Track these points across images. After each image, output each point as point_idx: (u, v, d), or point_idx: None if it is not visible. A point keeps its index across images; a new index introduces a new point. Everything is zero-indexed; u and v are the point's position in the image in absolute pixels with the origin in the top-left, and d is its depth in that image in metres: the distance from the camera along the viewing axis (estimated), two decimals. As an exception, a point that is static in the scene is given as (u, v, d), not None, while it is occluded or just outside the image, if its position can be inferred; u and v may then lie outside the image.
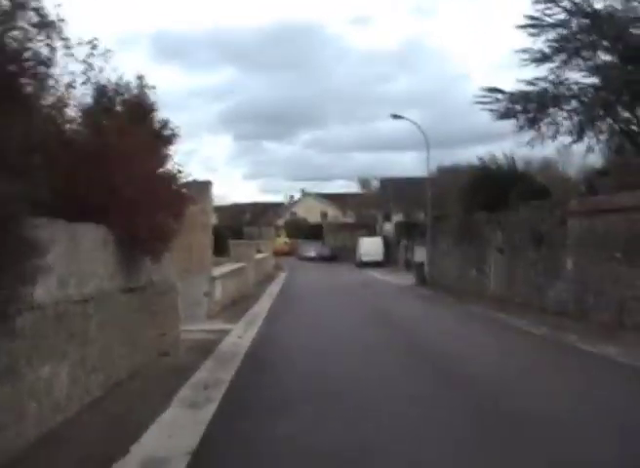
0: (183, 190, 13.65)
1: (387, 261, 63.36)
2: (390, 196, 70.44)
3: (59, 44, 8.69)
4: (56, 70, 9.19)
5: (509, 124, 27.45)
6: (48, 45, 8.10)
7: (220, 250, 30.96)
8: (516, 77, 27.76)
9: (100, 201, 9.10)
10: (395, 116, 36.20)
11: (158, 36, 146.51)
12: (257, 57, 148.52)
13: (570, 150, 31.98)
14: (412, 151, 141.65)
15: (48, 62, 7.85)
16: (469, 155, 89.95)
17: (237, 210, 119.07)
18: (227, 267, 24.85)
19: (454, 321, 19.87)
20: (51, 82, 9.63)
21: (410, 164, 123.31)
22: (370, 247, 65.54)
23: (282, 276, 46.84)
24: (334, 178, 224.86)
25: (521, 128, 27.17)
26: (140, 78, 15.63)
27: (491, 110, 28.13)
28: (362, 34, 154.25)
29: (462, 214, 30.35)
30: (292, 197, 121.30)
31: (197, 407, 8.53)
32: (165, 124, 16.90)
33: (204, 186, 18.45)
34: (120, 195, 9.35)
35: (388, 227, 73.04)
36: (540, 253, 21.59)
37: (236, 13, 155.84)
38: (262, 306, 23.47)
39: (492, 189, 28.23)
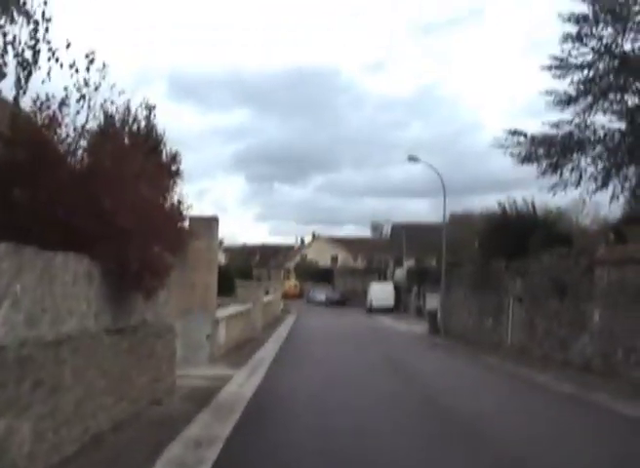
0: (185, 223, 12.59)
1: (398, 308, 62.16)
2: (402, 242, 69.46)
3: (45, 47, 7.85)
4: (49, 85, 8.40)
5: (522, 171, 26.57)
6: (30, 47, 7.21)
7: (227, 290, 29.87)
8: (536, 122, 26.42)
9: (86, 228, 8.05)
10: (411, 158, 35.28)
11: (174, 75, 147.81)
12: (272, 99, 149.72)
13: (583, 201, 30.81)
14: (423, 198, 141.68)
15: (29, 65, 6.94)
16: (481, 203, 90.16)
17: (247, 251, 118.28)
18: (233, 309, 23.71)
19: (471, 375, 18.56)
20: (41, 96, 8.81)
21: (421, 210, 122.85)
22: (381, 292, 64.31)
23: (290, 319, 45.57)
24: (345, 223, 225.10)
25: (543, 173, 26.12)
26: (149, 108, 14.84)
27: (512, 154, 27.19)
28: (376, 80, 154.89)
29: (479, 260, 29.21)
30: (302, 240, 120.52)
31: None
32: (174, 157, 16.42)
33: (210, 222, 17.43)
34: (109, 222, 8.30)
35: (400, 273, 71.96)
36: (564, 303, 20.35)
37: (253, 55, 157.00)
38: (268, 351, 22.23)
39: (511, 236, 27.13)
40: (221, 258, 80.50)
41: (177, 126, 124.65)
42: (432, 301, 48.68)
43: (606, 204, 26.12)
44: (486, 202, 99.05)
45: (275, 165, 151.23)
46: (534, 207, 28.67)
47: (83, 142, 9.58)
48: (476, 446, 9.01)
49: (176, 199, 12.11)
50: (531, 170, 26.23)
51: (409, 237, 64.89)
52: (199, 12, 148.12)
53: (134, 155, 10.08)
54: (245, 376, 15.57)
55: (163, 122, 12.56)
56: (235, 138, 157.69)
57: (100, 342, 8.39)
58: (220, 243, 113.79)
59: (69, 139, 9.18)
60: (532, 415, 11.92)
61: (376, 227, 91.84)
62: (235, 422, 10.04)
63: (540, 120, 34.44)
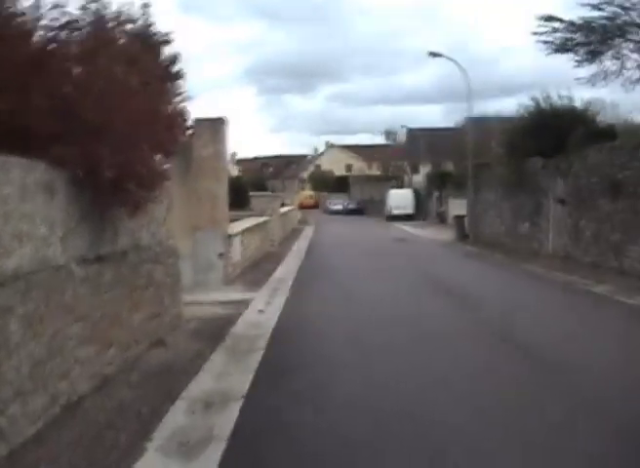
0: (184, 122, 10.43)
1: (418, 214, 60.19)
2: (418, 147, 66.96)
3: None
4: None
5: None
6: None
7: (241, 203, 27.77)
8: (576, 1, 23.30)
9: (41, 123, 5.86)
10: (433, 54, 32.46)
11: None
12: (280, 11, 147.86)
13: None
14: (435, 104, 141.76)
15: None
16: (492, 107, 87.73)
17: (260, 163, 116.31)
18: (248, 222, 21.62)
19: (522, 288, 16.51)
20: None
21: (434, 117, 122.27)
22: (400, 199, 62.19)
23: (309, 231, 43.54)
24: (357, 132, 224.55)
25: (580, 62, 23.48)
26: (145, 6, 12.98)
27: (545, 42, 24.48)
28: None
29: (512, 160, 26.82)
30: (316, 149, 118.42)
31: (188, 453, 5.30)
32: (174, 59, 14.38)
33: (217, 125, 15.14)
34: (73, 114, 6.10)
35: (418, 179, 69.75)
36: (618, 203, 18.10)
37: None
38: (289, 268, 20.18)
39: (548, 132, 24.73)
40: (234, 171, 78.61)
41: (186, 39, 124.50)
42: (455, 207, 46.58)
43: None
44: (497, 106, 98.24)
45: (286, 77, 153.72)
46: (571, 100, 26.13)
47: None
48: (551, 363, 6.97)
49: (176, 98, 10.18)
50: (549, 67, 23.82)
51: (425, 143, 62.28)
52: None
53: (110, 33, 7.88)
54: (265, 300, 13.55)
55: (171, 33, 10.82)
56: (245, 51, 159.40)
57: (70, 276, 6.29)
58: (233, 155, 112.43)
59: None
60: (609, 336, 9.89)
61: (389, 134, 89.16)
62: (256, 368, 7.96)
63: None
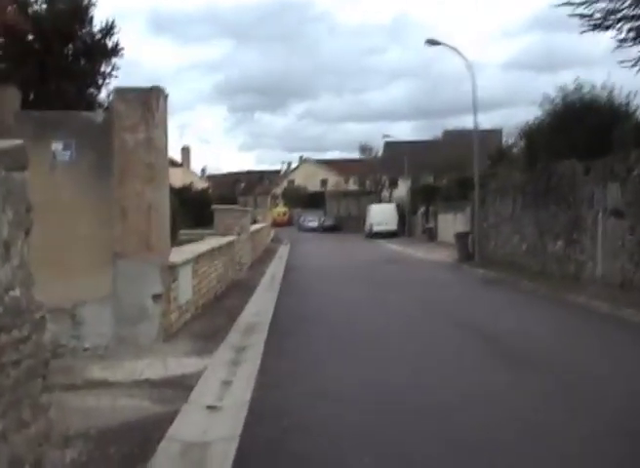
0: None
1: (401, 231, 55.38)
2: (395, 161, 62.57)
3: None
4: None
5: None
6: None
7: (208, 221, 22.44)
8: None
9: None
10: (431, 41, 27.41)
11: (152, 11, 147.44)
12: (249, 31, 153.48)
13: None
14: (406, 121, 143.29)
15: None
16: (463, 123, 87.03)
17: (231, 179, 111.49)
18: (207, 244, 16.30)
19: (594, 336, 11.39)
20: None
21: (404, 133, 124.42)
22: (382, 215, 57.39)
23: (284, 251, 38.18)
24: (330, 149, 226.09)
25: (622, 41, 18.68)
26: None
27: (582, 16, 19.61)
28: (350, 9, 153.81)
29: (536, 164, 21.84)
30: (289, 164, 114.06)
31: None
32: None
33: (150, 98, 9.83)
34: None
35: (400, 193, 65.18)
36: None
37: None
38: (262, 306, 14.77)
39: (582, 129, 19.90)
40: (200, 183, 73.42)
41: (156, 61, 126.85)
42: (446, 223, 41.79)
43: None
44: (466, 122, 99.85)
45: (256, 95, 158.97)
46: (611, 92, 21.26)
47: None
48: None
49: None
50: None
51: (402, 156, 57.66)
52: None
53: None
54: (222, 376, 8.09)
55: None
56: (215, 71, 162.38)
57: None
58: (203, 169, 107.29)
59: None
60: None
61: (364, 149, 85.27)
62: None
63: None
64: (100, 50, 15.77)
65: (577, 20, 18.91)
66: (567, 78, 75.44)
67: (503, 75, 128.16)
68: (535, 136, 22.50)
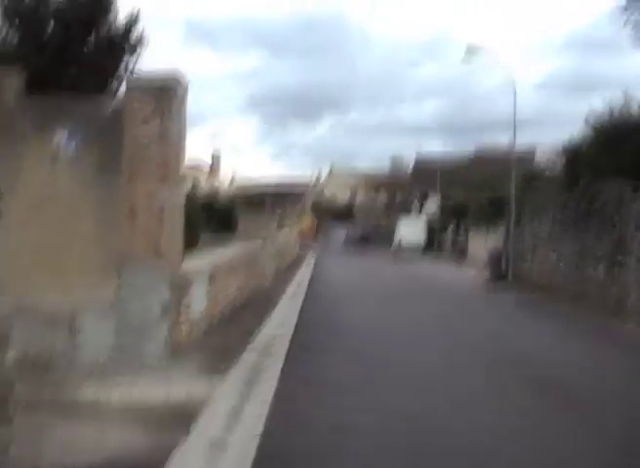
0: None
1: (430, 248, 54.14)
2: (426, 176, 61.58)
3: None
4: None
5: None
6: None
7: (229, 228, 21.56)
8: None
9: None
10: (472, 49, 26.40)
11: (190, 22, 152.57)
12: (284, 42, 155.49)
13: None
14: (435, 137, 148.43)
15: None
16: (494, 141, 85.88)
17: (261, 187, 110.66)
18: (227, 251, 15.36)
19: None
20: None
21: (434, 148, 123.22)
22: (411, 229, 56.27)
23: (310, 262, 37.15)
24: (360, 162, 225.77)
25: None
26: None
27: (636, 26, 18.51)
28: (388, 24, 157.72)
29: (577, 183, 20.66)
30: (319, 175, 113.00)
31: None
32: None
33: (164, 86, 8.91)
34: None
35: (429, 209, 64.03)
36: None
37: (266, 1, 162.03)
38: (283, 318, 13.83)
39: (631, 147, 18.75)
40: (228, 190, 72.76)
41: (191, 69, 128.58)
42: (477, 241, 40.63)
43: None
44: (499, 139, 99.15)
45: (288, 106, 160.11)
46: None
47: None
48: None
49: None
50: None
51: (433, 171, 56.59)
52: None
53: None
54: (231, 403, 7.11)
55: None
56: (249, 81, 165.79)
57: None
58: (232, 179, 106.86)
59: None
60: None
61: (395, 162, 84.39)
62: None
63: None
64: (125, 40, 14.87)
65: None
66: (600, 100, 73.34)
67: (536, 95, 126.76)
68: (578, 153, 21.31)
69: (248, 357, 9.59)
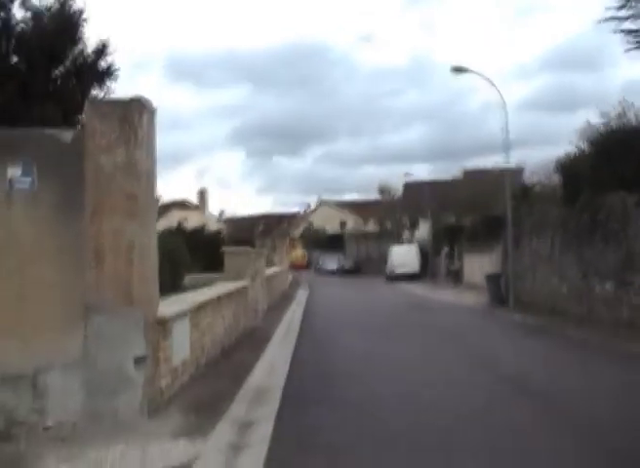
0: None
1: (424, 273, 53.24)
2: (416, 201, 60.71)
3: None
4: None
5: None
6: None
7: (219, 264, 20.48)
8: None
9: None
10: (457, 69, 25.63)
11: (170, 58, 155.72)
12: (267, 75, 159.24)
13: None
14: (421, 163, 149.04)
15: None
16: (480, 164, 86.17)
17: (249, 222, 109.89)
18: (213, 291, 14.31)
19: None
20: None
21: (422, 174, 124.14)
22: (403, 257, 55.37)
23: (302, 296, 36.12)
24: (347, 191, 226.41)
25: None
26: None
27: (628, 32, 17.83)
28: (369, 52, 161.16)
29: (576, 197, 19.76)
30: (308, 206, 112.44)
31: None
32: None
33: (128, 110, 7.92)
34: None
35: (421, 234, 63.16)
36: None
37: (246, 34, 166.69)
38: (274, 363, 12.74)
39: (633, 157, 17.90)
40: (213, 225, 71.73)
41: (174, 107, 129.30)
42: (472, 264, 39.65)
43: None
44: (483, 163, 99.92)
45: (274, 139, 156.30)
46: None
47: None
48: None
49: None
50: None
51: (422, 196, 55.77)
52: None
53: None
54: None
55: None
56: (233, 115, 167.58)
57: None
58: (220, 213, 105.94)
59: None
60: None
61: (383, 190, 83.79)
62: None
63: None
64: (92, 71, 13.98)
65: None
66: (584, 118, 73.05)
67: (519, 115, 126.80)
68: (575, 168, 20.43)
69: (236, 410, 8.50)
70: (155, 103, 8.35)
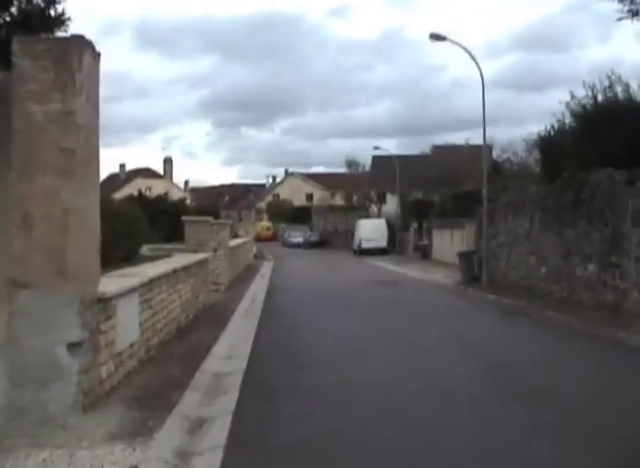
0: None
1: (391, 248, 52.34)
2: (384, 175, 59.75)
3: None
4: None
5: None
6: None
7: (182, 234, 19.27)
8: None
9: None
10: (435, 36, 24.40)
11: (141, 24, 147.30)
12: (237, 46, 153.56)
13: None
14: (390, 138, 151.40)
15: None
16: (448, 141, 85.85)
17: (215, 192, 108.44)
18: (168, 264, 13.09)
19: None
20: None
21: (390, 148, 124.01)
22: (371, 231, 54.30)
23: (267, 269, 34.99)
24: (314, 165, 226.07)
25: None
26: None
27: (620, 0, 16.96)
28: (340, 25, 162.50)
29: (559, 174, 18.78)
30: (274, 178, 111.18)
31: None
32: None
33: (66, 50, 6.68)
34: None
35: (389, 208, 62.29)
36: None
37: (218, 3, 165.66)
38: (235, 343, 11.64)
39: (618, 134, 16.96)
40: (177, 194, 70.23)
41: (143, 74, 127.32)
42: (442, 240, 38.82)
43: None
44: (452, 139, 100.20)
45: (242, 110, 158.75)
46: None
47: None
48: None
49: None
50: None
51: (391, 170, 54.62)
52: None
53: None
54: None
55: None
56: (201, 85, 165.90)
57: None
58: (186, 182, 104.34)
59: None
60: None
61: (351, 163, 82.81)
62: None
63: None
64: (41, 19, 12.59)
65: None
66: (551, 98, 72.75)
67: (487, 93, 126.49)
68: (557, 143, 19.43)
69: (188, 402, 7.36)
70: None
